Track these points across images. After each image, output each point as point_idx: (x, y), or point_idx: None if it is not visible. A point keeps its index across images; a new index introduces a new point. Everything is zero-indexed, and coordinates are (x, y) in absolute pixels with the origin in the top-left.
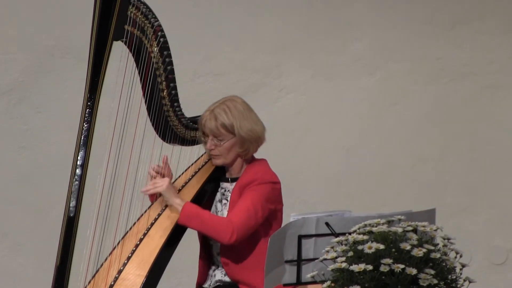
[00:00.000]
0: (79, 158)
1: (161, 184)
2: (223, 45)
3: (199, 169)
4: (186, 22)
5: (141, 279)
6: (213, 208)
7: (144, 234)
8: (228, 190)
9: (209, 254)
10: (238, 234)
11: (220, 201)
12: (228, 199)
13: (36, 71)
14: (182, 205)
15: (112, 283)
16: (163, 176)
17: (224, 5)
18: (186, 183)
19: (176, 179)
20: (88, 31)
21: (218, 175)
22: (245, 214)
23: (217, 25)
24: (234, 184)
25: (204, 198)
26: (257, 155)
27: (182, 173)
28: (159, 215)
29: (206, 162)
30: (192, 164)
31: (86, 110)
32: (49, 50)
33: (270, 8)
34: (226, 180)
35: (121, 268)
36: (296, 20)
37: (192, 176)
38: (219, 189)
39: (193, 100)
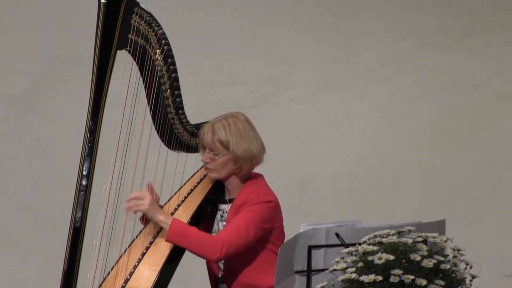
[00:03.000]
0: (84, 168)
1: (143, 203)
2: (233, 55)
3: (198, 183)
4: (197, 32)
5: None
6: (215, 226)
7: (151, 243)
8: (226, 212)
9: (217, 267)
10: (227, 251)
11: (221, 221)
12: (226, 220)
13: (47, 81)
14: (169, 223)
15: None
16: None
17: (235, 15)
18: (185, 197)
19: (172, 196)
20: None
21: (216, 197)
22: (236, 232)
23: (228, 35)
24: (230, 205)
25: (203, 215)
26: (266, 166)
27: (181, 187)
28: None
29: (205, 176)
30: (188, 180)
31: (90, 120)
32: (61, 60)
33: (281, 18)
34: (224, 202)
35: (128, 277)
36: (307, 30)
37: (192, 190)
38: (218, 211)
39: (203, 110)
